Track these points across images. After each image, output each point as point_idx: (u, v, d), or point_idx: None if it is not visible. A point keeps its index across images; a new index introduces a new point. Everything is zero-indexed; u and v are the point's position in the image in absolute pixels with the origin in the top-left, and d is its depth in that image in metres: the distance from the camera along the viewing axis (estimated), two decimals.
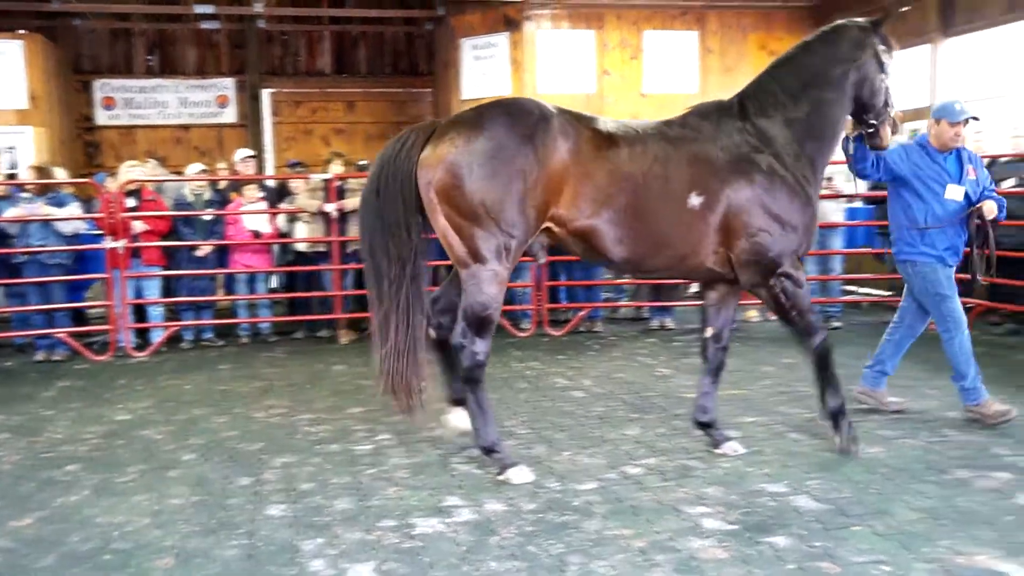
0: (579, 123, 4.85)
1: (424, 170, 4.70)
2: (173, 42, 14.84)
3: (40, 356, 8.87)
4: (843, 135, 5.33)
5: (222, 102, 14.89)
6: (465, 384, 4.85)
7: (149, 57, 14.77)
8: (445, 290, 5.23)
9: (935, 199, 5.67)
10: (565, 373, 7.55)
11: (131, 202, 9.03)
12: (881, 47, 5.10)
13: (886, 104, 5.16)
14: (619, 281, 10.61)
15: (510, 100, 4.98)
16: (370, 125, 15.39)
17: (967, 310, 9.12)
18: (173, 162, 13.36)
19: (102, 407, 6.76)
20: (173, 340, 9.43)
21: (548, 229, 4.84)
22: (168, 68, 14.80)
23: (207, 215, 9.40)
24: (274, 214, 9.61)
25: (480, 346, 4.74)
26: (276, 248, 9.77)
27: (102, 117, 14.54)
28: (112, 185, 9.35)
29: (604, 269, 10.14)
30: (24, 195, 9.06)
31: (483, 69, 12.45)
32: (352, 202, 9.40)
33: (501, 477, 4.75)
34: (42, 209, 8.82)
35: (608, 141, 4.82)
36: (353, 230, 9.45)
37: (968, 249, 5.77)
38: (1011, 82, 10.08)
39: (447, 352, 5.23)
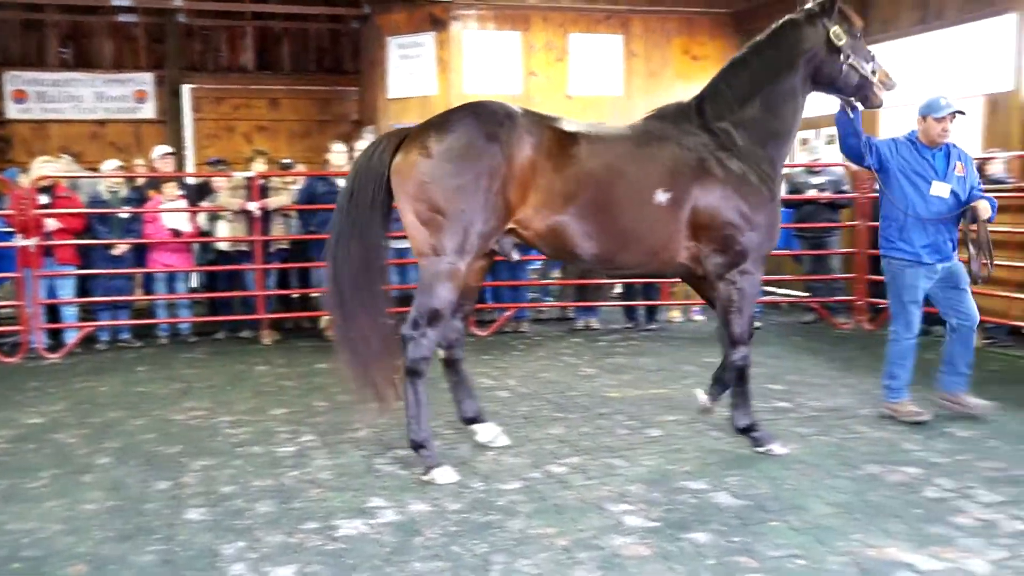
0: (544, 122, 5.00)
1: (397, 172, 4.85)
2: (89, 35, 14.40)
3: None
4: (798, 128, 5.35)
5: (140, 97, 14.52)
6: (407, 375, 4.86)
7: (63, 49, 14.29)
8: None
9: (919, 195, 5.67)
10: (490, 373, 7.57)
11: (44, 199, 8.75)
12: (835, 28, 5.11)
13: (862, 78, 5.20)
14: (544, 282, 10.69)
15: (477, 103, 5.17)
16: (294, 123, 15.19)
17: (877, 311, 9.52)
18: (88, 158, 12.93)
19: (12, 410, 6.53)
20: (88, 341, 9.16)
21: (516, 229, 4.96)
22: (83, 61, 14.35)
23: (124, 213, 9.17)
24: (194, 212, 9.43)
25: (429, 338, 4.80)
26: (196, 247, 9.60)
27: (13, 111, 14.02)
28: (24, 181, 9.06)
29: (528, 271, 10.24)
30: None
31: (410, 68, 12.40)
32: (275, 201, 9.30)
33: (426, 477, 4.74)
34: None
35: (572, 139, 4.97)
36: (276, 229, 9.39)
37: (963, 252, 5.73)
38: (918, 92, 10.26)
39: (456, 370, 5.37)
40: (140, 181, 9.80)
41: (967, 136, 9.15)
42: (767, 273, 10.62)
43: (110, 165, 10.04)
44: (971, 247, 5.67)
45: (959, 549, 3.79)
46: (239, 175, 9.47)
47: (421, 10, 12.21)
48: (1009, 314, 8.19)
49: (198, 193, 9.73)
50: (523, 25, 12.53)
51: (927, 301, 5.85)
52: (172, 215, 9.26)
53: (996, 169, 8.74)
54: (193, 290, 9.74)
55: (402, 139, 4.94)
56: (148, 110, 14.58)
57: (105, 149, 13.67)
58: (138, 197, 9.48)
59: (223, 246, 9.51)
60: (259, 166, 9.63)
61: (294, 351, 8.77)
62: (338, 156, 9.70)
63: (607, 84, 12.81)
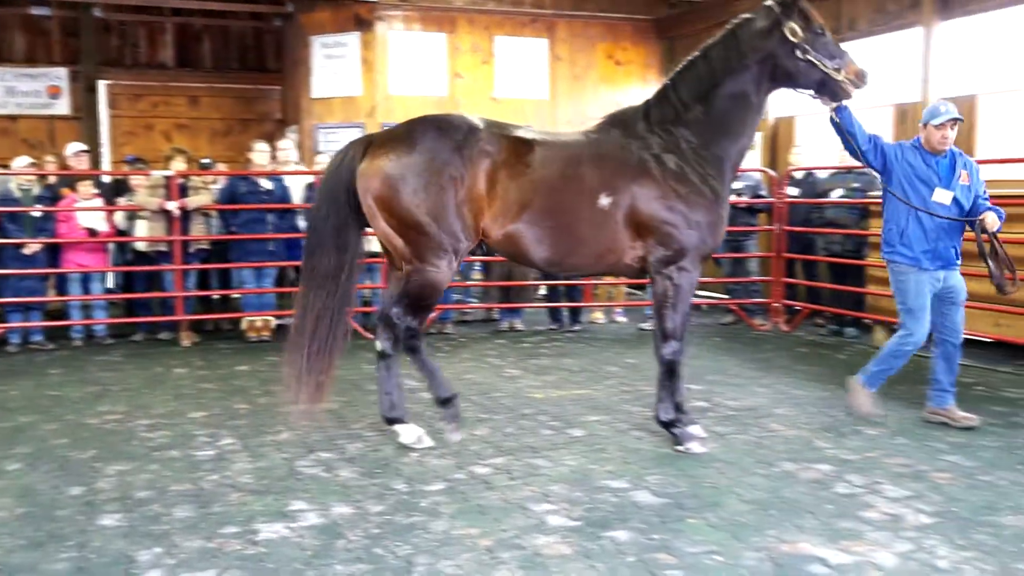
0: (503, 132, 5.23)
1: (363, 180, 5.11)
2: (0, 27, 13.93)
3: None
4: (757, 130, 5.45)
5: (54, 92, 14.07)
6: (407, 353, 5.37)
7: None
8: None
9: (921, 202, 5.63)
10: (415, 375, 7.52)
11: None
12: (790, 24, 5.05)
13: (823, 74, 5.14)
14: (468, 283, 10.71)
15: (439, 115, 5.44)
16: (216, 121, 14.90)
17: (794, 312, 9.79)
18: None
19: None
20: None
21: (481, 237, 5.23)
22: None
23: (36, 211, 8.89)
24: (111, 211, 9.20)
25: (415, 320, 5.25)
26: (113, 247, 9.37)
27: None
28: None
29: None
30: None
31: (334, 68, 12.29)
32: (195, 200, 9.12)
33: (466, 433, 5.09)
34: None
35: (527, 147, 5.18)
36: (196, 229, 9.21)
37: (984, 264, 5.55)
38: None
39: (388, 366, 5.48)
40: (53, 179, 9.53)
41: None
42: None
43: (21, 162, 9.68)
44: (989, 262, 5.50)
45: (868, 543, 3.92)
46: (158, 174, 9.27)
47: (346, 10, 12.12)
48: None
49: (114, 191, 9.51)
50: (449, 27, 12.54)
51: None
52: (88, 214, 9.02)
53: None
54: (109, 291, 9.52)
55: (367, 146, 5.21)
56: (62, 106, 14.12)
57: (16, 146, 13.18)
58: (51, 195, 9.22)
59: (141, 246, 9.29)
60: (178, 165, 9.45)
61: (214, 353, 8.62)
62: (260, 155, 9.57)
63: (533, 87, 12.93)
